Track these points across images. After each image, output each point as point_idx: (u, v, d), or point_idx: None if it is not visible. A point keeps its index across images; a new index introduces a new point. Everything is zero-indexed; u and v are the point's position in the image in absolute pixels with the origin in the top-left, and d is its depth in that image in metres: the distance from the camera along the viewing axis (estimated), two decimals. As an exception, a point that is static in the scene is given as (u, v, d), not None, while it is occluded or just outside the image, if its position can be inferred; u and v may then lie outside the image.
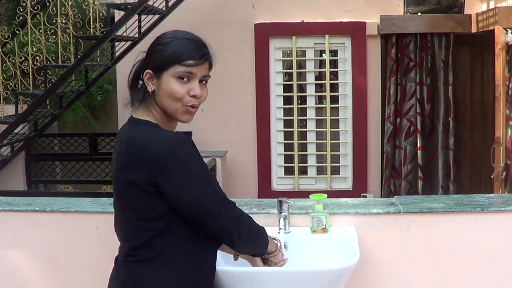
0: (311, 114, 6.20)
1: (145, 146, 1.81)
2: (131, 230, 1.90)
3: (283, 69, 6.22)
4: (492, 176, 4.68)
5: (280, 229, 2.45)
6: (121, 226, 1.95)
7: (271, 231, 2.29)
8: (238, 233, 1.90)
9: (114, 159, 1.92)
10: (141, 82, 1.92)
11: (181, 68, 1.84)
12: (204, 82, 1.90)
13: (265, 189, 6.13)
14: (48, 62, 5.34)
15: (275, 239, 2.15)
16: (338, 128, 6.16)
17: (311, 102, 6.23)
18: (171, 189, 1.80)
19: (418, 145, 5.88)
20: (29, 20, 5.17)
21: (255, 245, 2.04)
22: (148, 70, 1.87)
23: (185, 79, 1.85)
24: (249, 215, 2.01)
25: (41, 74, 5.20)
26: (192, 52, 1.85)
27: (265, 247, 2.06)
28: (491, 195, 3.01)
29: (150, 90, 1.88)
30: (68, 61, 5.23)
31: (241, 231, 1.91)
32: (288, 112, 6.18)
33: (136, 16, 5.29)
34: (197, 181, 1.84)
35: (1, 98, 5.31)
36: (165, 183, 1.79)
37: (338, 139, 6.19)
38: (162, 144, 1.79)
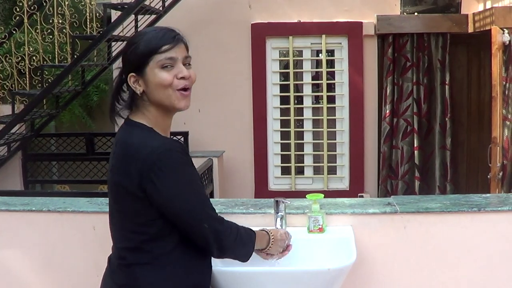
0: (307, 114, 6.20)
1: (136, 151, 1.81)
2: (123, 232, 1.91)
3: (279, 69, 6.22)
4: (489, 176, 4.69)
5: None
6: (113, 227, 1.95)
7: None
8: (219, 248, 1.89)
9: (110, 159, 1.93)
10: (125, 93, 1.91)
11: (160, 57, 1.84)
12: (188, 64, 1.90)
13: (262, 189, 6.13)
14: (45, 62, 5.34)
15: (267, 232, 2.13)
16: (335, 128, 6.16)
17: (307, 102, 6.23)
18: (157, 196, 1.79)
19: (415, 145, 5.88)
20: (25, 20, 5.17)
21: (238, 255, 1.99)
22: (131, 74, 1.86)
23: (168, 67, 1.85)
24: (241, 225, 1.99)
25: (38, 74, 5.20)
26: (163, 38, 1.85)
27: (248, 255, 2.01)
28: (488, 195, 3.01)
29: (139, 92, 1.86)
30: (65, 61, 5.24)
31: (222, 246, 1.89)
32: (284, 112, 6.18)
33: (132, 16, 5.28)
34: (184, 191, 1.83)
35: (-2, 98, 5.32)
36: (153, 189, 1.78)
37: (335, 139, 6.19)
38: (152, 150, 1.79)
